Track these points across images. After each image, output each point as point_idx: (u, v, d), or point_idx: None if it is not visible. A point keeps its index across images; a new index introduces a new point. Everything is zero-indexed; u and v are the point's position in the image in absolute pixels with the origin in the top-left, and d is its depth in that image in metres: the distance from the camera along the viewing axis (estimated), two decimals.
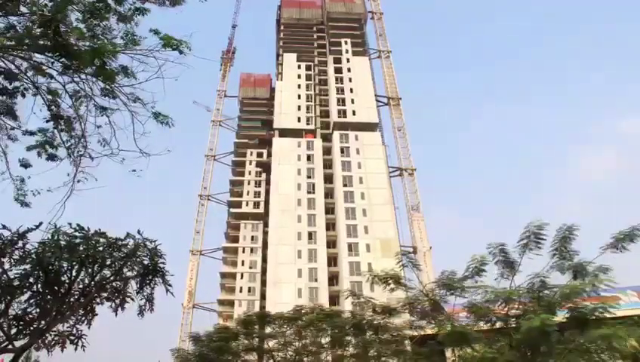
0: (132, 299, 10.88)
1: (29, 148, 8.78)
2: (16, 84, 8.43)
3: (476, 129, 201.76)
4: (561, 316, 12.60)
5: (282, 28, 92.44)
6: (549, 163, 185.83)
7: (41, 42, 7.83)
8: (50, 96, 8.73)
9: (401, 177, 74.73)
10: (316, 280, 60.88)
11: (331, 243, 65.67)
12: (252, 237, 77.15)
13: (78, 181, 8.76)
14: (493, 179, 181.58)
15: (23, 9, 7.72)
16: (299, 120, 78.26)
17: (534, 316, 11.44)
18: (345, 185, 68.64)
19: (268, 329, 25.90)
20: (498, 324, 13.71)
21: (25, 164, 8.97)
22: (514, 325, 13.14)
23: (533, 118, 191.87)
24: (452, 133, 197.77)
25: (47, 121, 8.81)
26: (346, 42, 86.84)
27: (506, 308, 13.27)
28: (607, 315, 12.13)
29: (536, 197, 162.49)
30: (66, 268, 10.19)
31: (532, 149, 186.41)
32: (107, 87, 8.53)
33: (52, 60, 8.03)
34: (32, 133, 9.01)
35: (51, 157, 9.18)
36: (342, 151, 72.76)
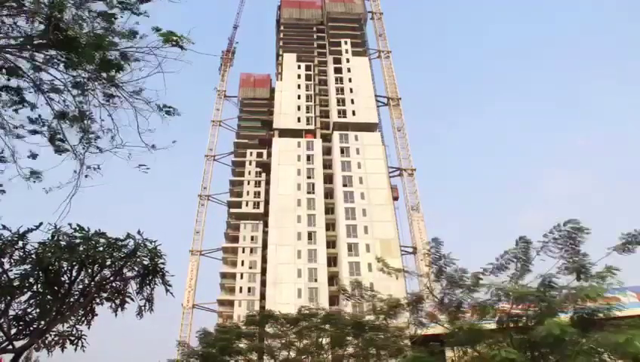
0: (132, 300, 10.84)
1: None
2: (20, 82, 8.41)
3: (471, 131, 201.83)
4: (563, 317, 12.54)
5: (282, 28, 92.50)
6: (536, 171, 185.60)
7: (43, 39, 7.81)
8: (53, 94, 8.72)
9: (401, 177, 74.82)
10: (316, 280, 60.85)
11: (331, 244, 65.64)
12: (252, 237, 77.19)
13: (86, 176, 8.78)
14: (490, 180, 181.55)
15: (24, 7, 7.67)
16: (299, 120, 78.24)
17: (548, 320, 11.33)
18: (345, 185, 68.58)
19: (270, 330, 25.89)
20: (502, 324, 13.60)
21: (33, 155, 9.02)
22: (520, 324, 13.05)
23: (531, 117, 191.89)
24: (449, 133, 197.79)
25: (52, 119, 8.81)
26: (345, 42, 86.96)
27: (511, 307, 13.19)
28: (609, 315, 12.08)
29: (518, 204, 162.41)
30: (65, 269, 10.13)
31: (525, 150, 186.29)
32: (109, 78, 8.51)
33: (54, 57, 8.00)
34: (36, 133, 9.01)
35: (59, 150, 9.20)
36: (342, 151, 72.72)
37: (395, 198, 71.21)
